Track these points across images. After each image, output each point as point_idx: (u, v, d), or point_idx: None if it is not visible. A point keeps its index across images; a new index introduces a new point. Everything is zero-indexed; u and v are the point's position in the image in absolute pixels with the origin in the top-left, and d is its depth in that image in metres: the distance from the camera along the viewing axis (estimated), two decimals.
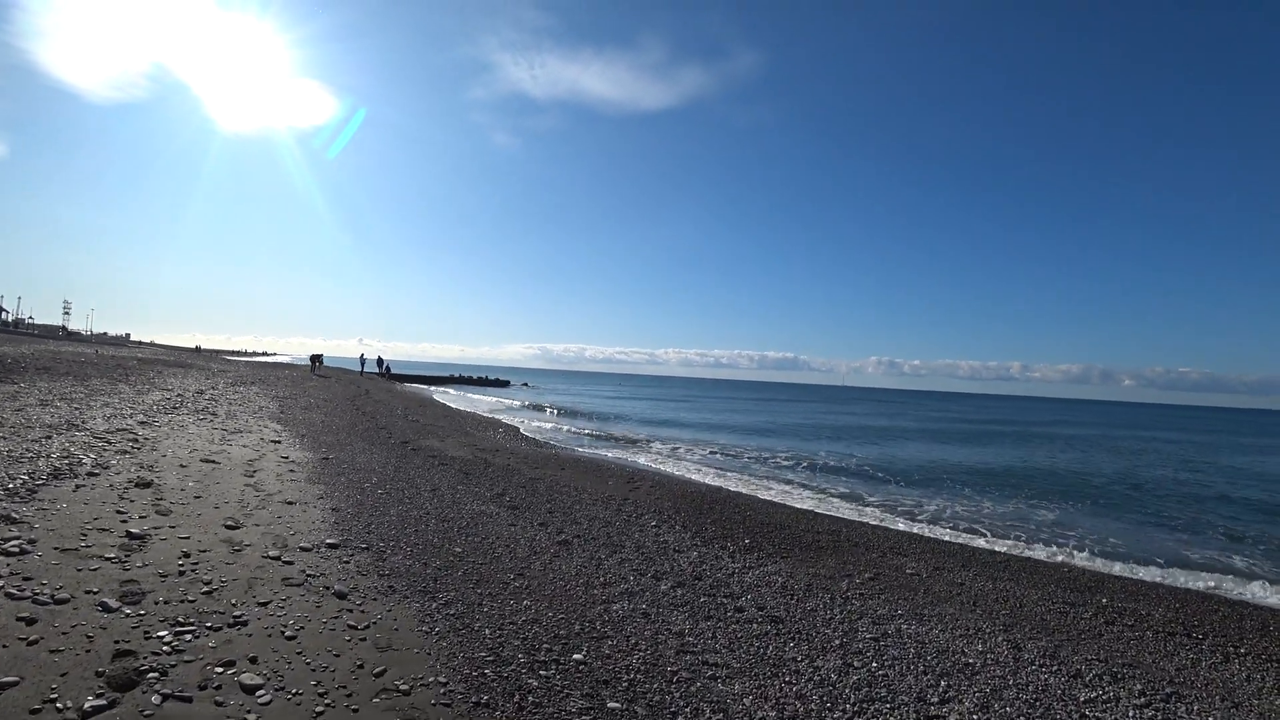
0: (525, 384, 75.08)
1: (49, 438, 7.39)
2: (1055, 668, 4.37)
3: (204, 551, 4.63)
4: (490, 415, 25.05)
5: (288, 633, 3.55)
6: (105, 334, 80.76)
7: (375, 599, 4.24)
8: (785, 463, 16.74)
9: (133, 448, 7.74)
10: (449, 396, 37.91)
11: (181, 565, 4.29)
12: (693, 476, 13.26)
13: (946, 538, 9.35)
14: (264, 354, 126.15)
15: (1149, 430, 50.86)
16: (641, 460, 15.47)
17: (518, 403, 36.15)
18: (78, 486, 5.70)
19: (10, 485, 5.34)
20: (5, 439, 7.00)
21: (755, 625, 4.61)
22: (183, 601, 3.74)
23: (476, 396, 40.95)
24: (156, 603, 3.67)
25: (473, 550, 5.69)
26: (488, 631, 3.95)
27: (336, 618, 3.85)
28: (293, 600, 4.01)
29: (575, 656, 3.74)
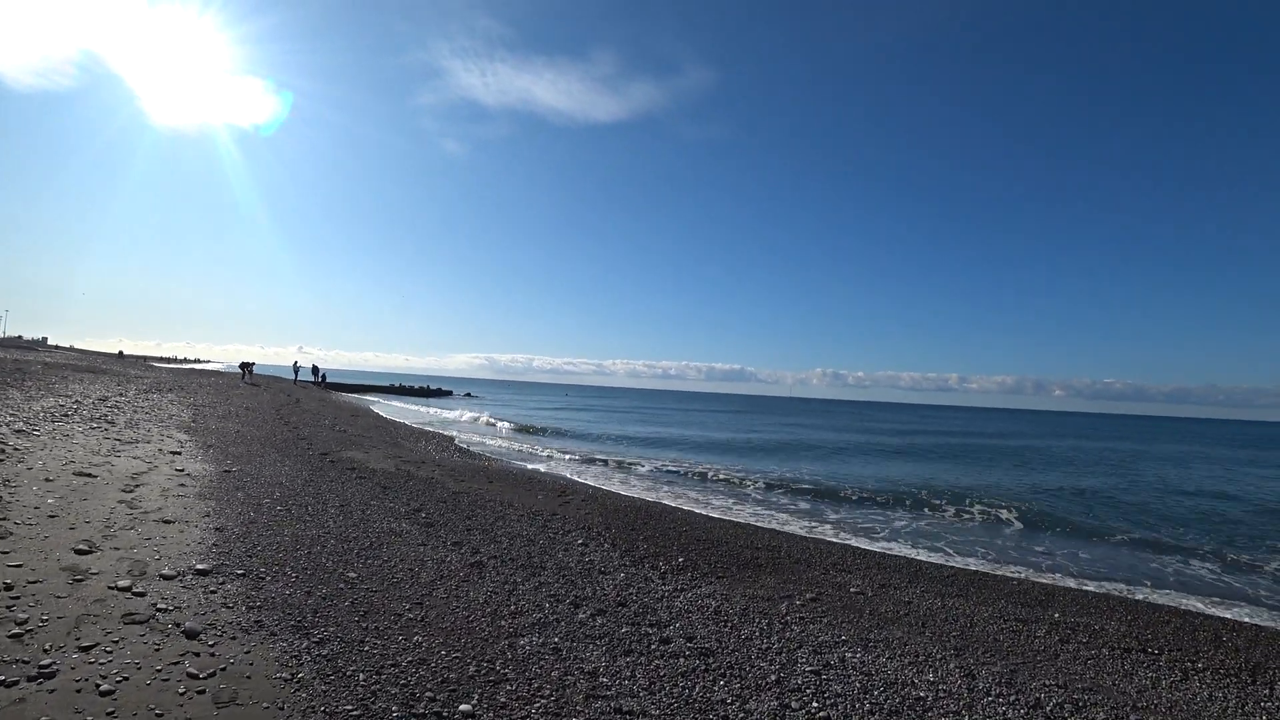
0: (468, 394, 73.21)
1: None
2: (1013, 697, 4.16)
3: (34, 582, 4.04)
4: (424, 426, 24.28)
5: (104, 686, 3.04)
6: (19, 337, 75.83)
7: (234, 638, 3.74)
8: (728, 476, 16.59)
9: (0, 458, 6.96)
10: (386, 407, 36.89)
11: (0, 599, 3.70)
12: (629, 491, 12.92)
13: (893, 551, 9.22)
14: (195, 361, 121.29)
15: (1080, 439, 53.04)
16: (576, 473, 15.06)
17: (455, 414, 35.40)
18: None
19: None
20: None
21: (682, 660, 4.27)
22: None
23: (414, 407, 40.08)
24: None
25: (369, 576, 5.20)
26: (362, 676, 3.50)
27: (175, 664, 3.35)
28: (127, 642, 3.48)
29: (462, 708, 3.32)
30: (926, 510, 13.32)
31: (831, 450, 28.79)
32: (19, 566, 4.25)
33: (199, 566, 4.78)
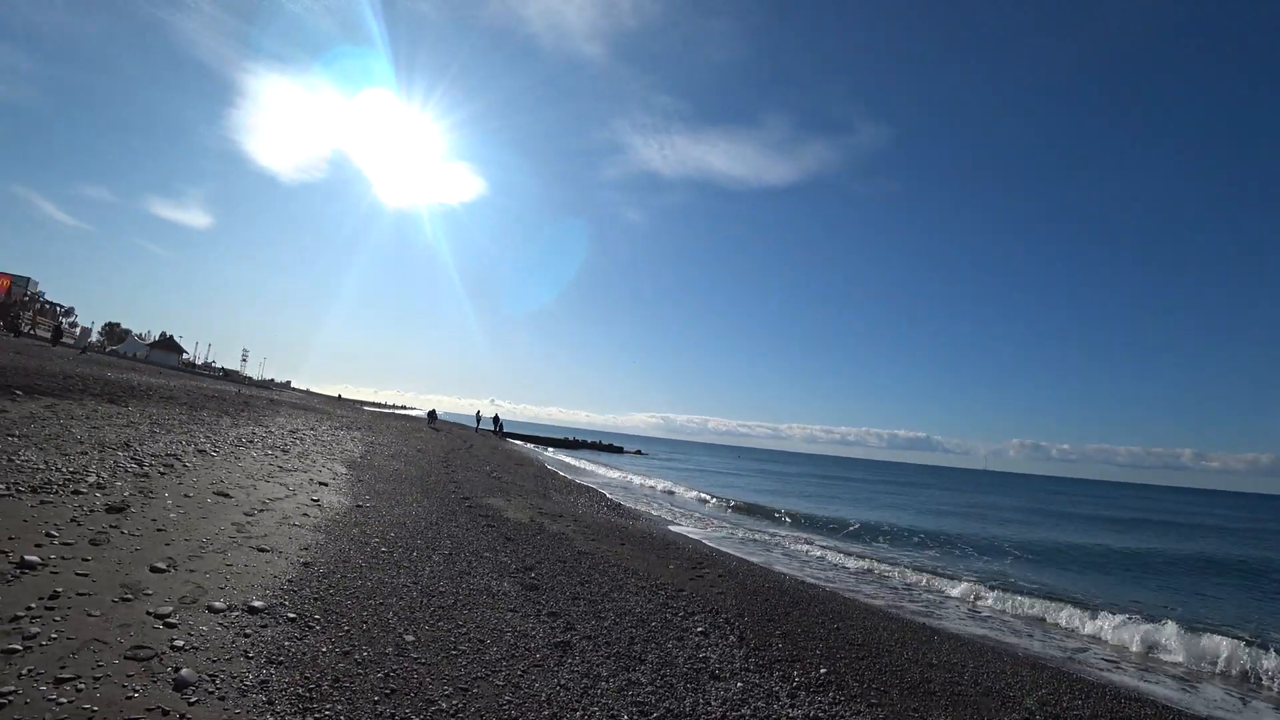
0: (639, 451, 77.18)
1: (84, 453, 7.66)
2: None
3: (82, 594, 3.96)
4: (582, 480, 24.44)
5: None
6: (272, 380, 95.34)
7: (222, 698, 3.21)
8: (903, 558, 13.60)
9: (163, 472, 7.79)
10: (554, 458, 38.84)
11: (32, 608, 3.61)
12: (779, 568, 11.05)
13: (1137, 684, 6.29)
14: (402, 407, 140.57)
15: None
16: (723, 541, 13.44)
17: (618, 470, 35.90)
18: (43, 501, 5.50)
19: None
20: (39, 447, 7.31)
21: None
22: None
23: (583, 461, 41.99)
24: None
25: (429, 642, 4.51)
26: None
27: None
28: (107, 681, 3.11)
29: None
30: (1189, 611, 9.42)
31: (1039, 528, 23.14)
32: (84, 576, 4.26)
33: (254, 603, 4.49)
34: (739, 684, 4.72)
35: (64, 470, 6.68)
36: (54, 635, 3.43)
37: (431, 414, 45.48)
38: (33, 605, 3.70)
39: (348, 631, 4.42)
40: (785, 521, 20.73)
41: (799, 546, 14.76)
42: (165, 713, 3.00)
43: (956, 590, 11.41)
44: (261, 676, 3.52)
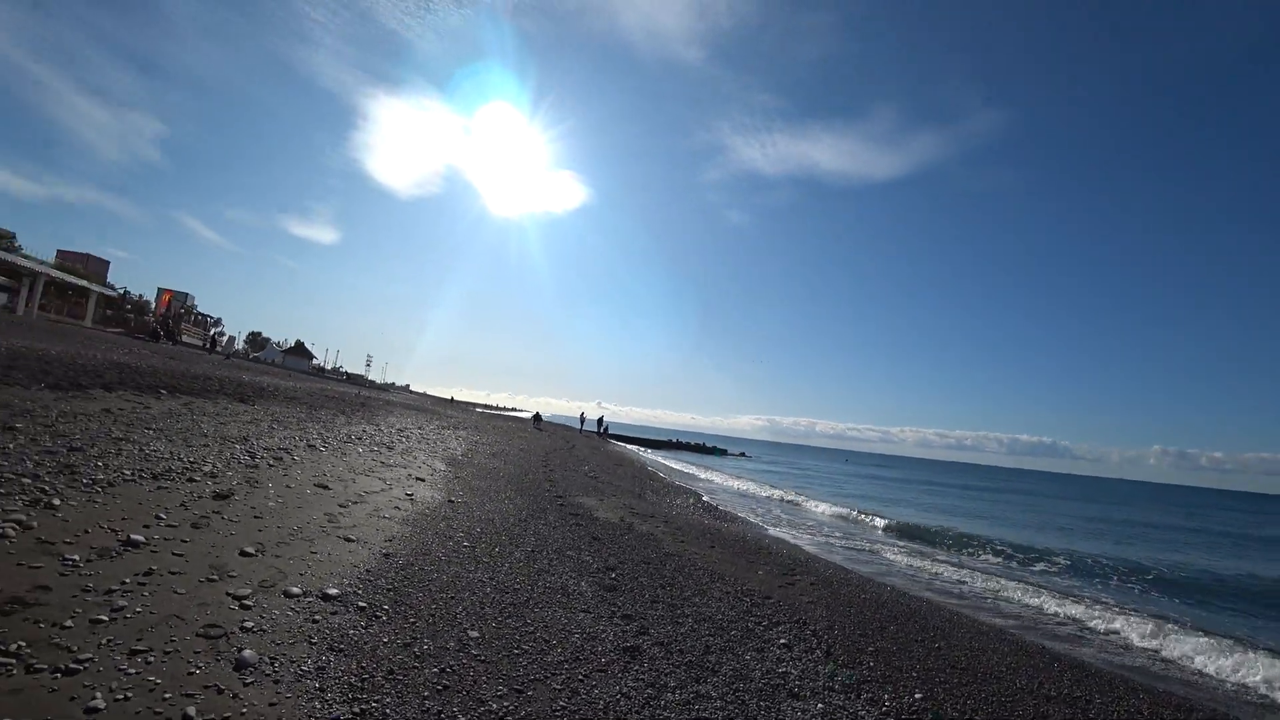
0: (742, 454, 77.05)
1: (206, 445, 8.44)
2: None
3: (174, 573, 4.26)
4: (680, 482, 24.19)
5: (96, 702, 2.73)
6: (392, 383, 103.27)
7: (278, 681, 3.31)
8: (1023, 574, 12.00)
9: (272, 464, 8.43)
10: (655, 459, 39.53)
11: (126, 582, 3.90)
12: (879, 579, 10.16)
13: None
14: (512, 409, 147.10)
15: None
16: (820, 546, 12.60)
17: (721, 472, 35.95)
18: (160, 486, 6.06)
19: (80, 472, 5.85)
20: (169, 439, 8.13)
21: None
22: (42, 625, 3.22)
23: (683, 463, 42.51)
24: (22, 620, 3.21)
25: (493, 638, 4.46)
26: None
27: (190, 695, 2.95)
28: (176, 656, 3.28)
29: None
30: None
31: (1191, 553, 19.80)
32: (179, 556, 4.59)
33: (329, 590, 4.65)
34: (819, 705, 4.28)
35: (184, 460, 7.37)
36: (139, 609, 3.68)
37: (536, 416, 48.58)
38: (127, 580, 4.00)
39: (413, 623, 4.46)
40: (891, 529, 19.43)
41: (903, 558, 13.67)
42: (220, 690, 3.10)
43: (1077, 611, 10.06)
44: (320, 663, 3.59)
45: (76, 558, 4.14)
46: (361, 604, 4.59)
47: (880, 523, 20.28)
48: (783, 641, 5.56)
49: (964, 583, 11.73)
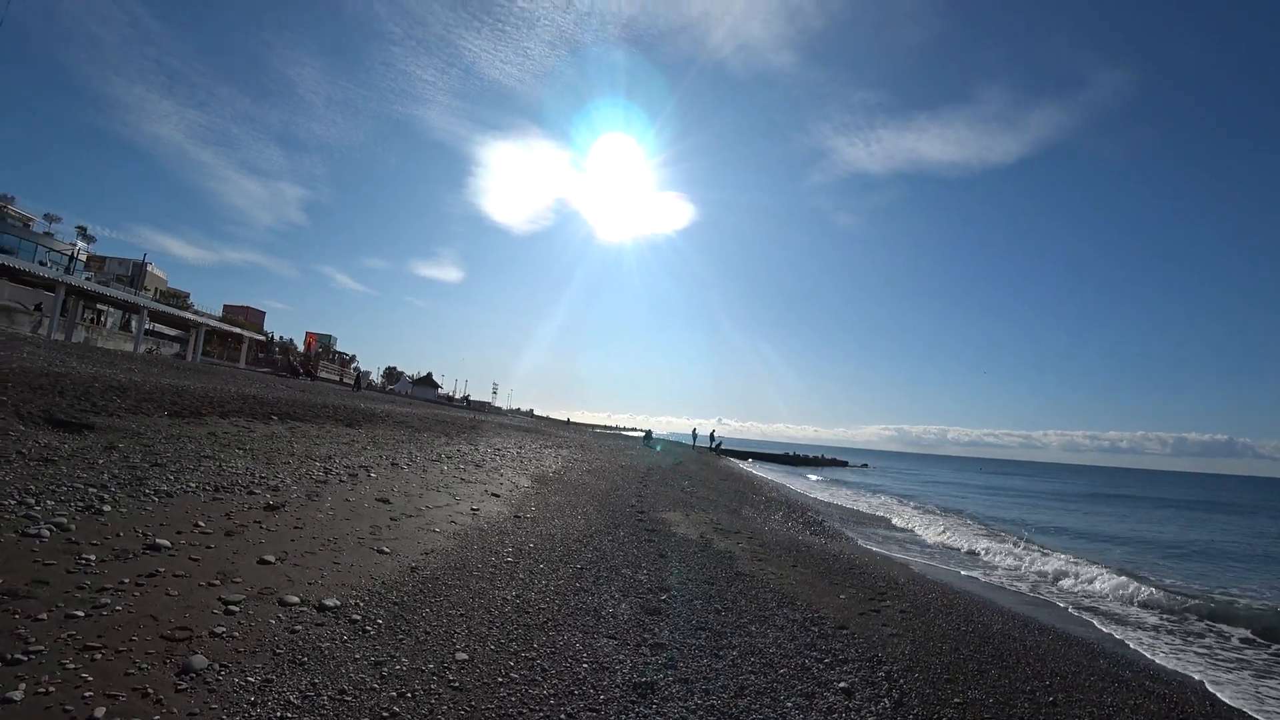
0: (864, 465, 75.88)
1: (286, 463, 9.05)
2: None
3: (178, 576, 4.43)
4: (789, 496, 22.99)
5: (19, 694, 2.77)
6: (517, 408, 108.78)
7: (214, 691, 3.20)
8: (1188, 596, 9.49)
9: (343, 480, 8.87)
10: (766, 475, 38.92)
11: (125, 583, 4.09)
12: (994, 604, 8.59)
13: None
14: (630, 429, 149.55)
15: None
16: (931, 565, 10.96)
17: (837, 485, 34.63)
18: (215, 498, 6.48)
19: (147, 483, 6.36)
20: (253, 458, 8.80)
21: None
22: (18, 616, 3.38)
23: (797, 477, 42.52)
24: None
25: (480, 664, 4.22)
26: None
27: (113, 697, 2.92)
28: (123, 657, 3.29)
29: None
30: None
31: None
32: (195, 561, 4.78)
33: (328, 601, 4.64)
34: None
35: (255, 475, 7.90)
36: (119, 608, 3.82)
37: (647, 434, 51.08)
38: (126, 581, 4.19)
39: (400, 640, 4.30)
40: (1024, 543, 16.99)
41: (1024, 585, 11.71)
42: (145, 694, 3.08)
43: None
44: (270, 676, 3.49)
45: (92, 558, 4.42)
46: (355, 617, 4.51)
47: (1017, 536, 17.89)
48: (842, 685, 4.78)
49: (1095, 608, 9.80)
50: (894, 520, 21.14)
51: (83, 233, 36.90)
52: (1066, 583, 12.27)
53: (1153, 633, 9.20)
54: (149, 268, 49.61)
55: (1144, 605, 10.78)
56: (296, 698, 3.34)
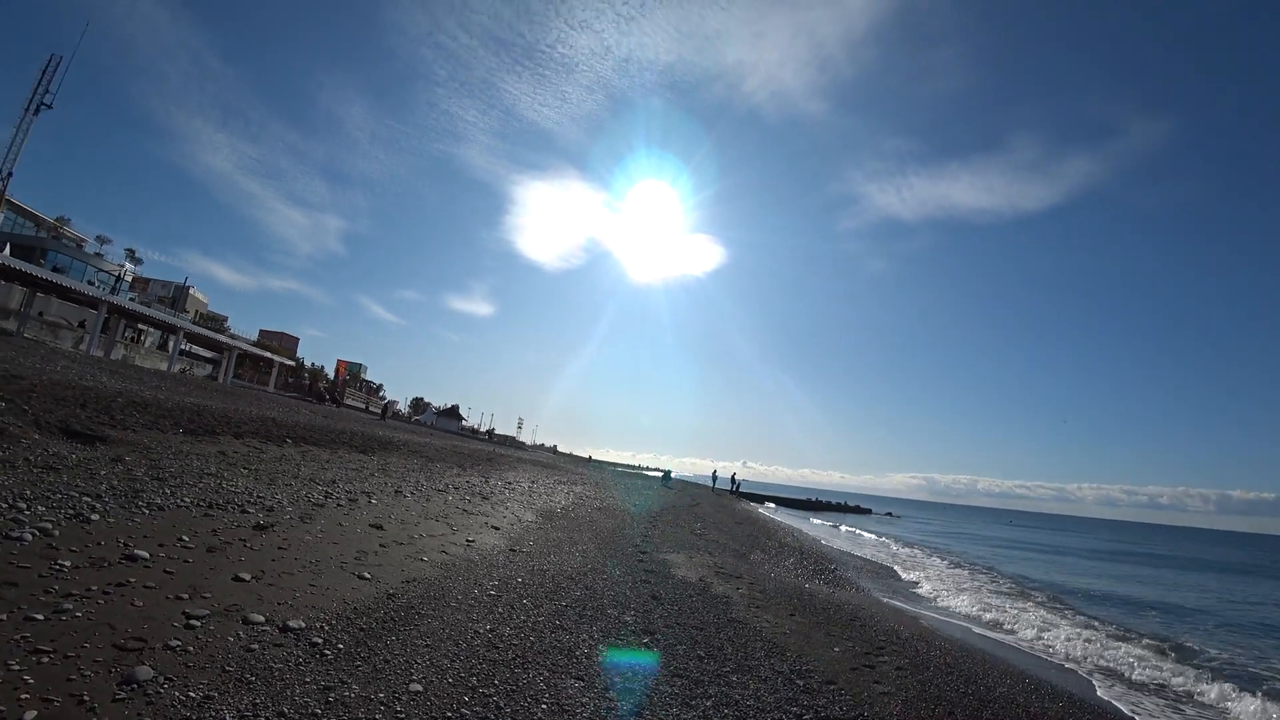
0: (889, 514, 74.32)
1: (289, 484, 9.18)
2: None
3: (148, 588, 4.47)
4: (801, 542, 22.32)
5: None
6: (541, 444, 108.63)
7: (152, 703, 3.22)
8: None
9: (341, 505, 8.94)
10: (787, 519, 38.84)
11: (92, 590, 4.14)
12: (1005, 656, 8.02)
13: None
14: (653, 469, 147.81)
15: None
16: (943, 624, 10.37)
17: (858, 532, 34.20)
18: (207, 514, 6.58)
19: (142, 496, 6.48)
20: (256, 478, 8.94)
21: None
22: None
23: (816, 523, 41.97)
24: None
25: (433, 697, 4.18)
26: None
27: (49, 702, 2.94)
28: (69, 663, 3.32)
29: None
30: None
31: None
32: (169, 575, 4.84)
33: (293, 623, 4.64)
34: None
35: (252, 495, 8.01)
36: (79, 614, 3.87)
37: (666, 474, 50.58)
38: (94, 588, 4.26)
39: (357, 667, 4.26)
40: (1050, 603, 16.20)
41: (1039, 647, 11.05)
42: (81, 701, 3.09)
43: None
44: (211, 693, 3.47)
45: (68, 564, 4.50)
46: (317, 640, 4.48)
47: (1043, 594, 17.04)
48: None
49: (1118, 672, 9.18)
50: (912, 572, 20.42)
51: (131, 255, 38.87)
52: (1091, 647, 11.61)
53: (1173, 702, 8.63)
54: (191, 291, 51.69)
55: (1168, 673, 10.12)
56: (233, 716, 3.31)
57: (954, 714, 5.77)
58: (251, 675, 3.77)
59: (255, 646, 4.13)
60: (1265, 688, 10.04)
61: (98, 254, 35.38)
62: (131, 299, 33.10)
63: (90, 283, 31.16)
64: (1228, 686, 9.67)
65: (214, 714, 3.30)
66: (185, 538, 5.80)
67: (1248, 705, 8.98)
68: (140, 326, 36.30)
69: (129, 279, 37.26)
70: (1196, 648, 13.09)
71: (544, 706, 4.32)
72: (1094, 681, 9.37)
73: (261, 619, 4.56)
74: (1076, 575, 27.29)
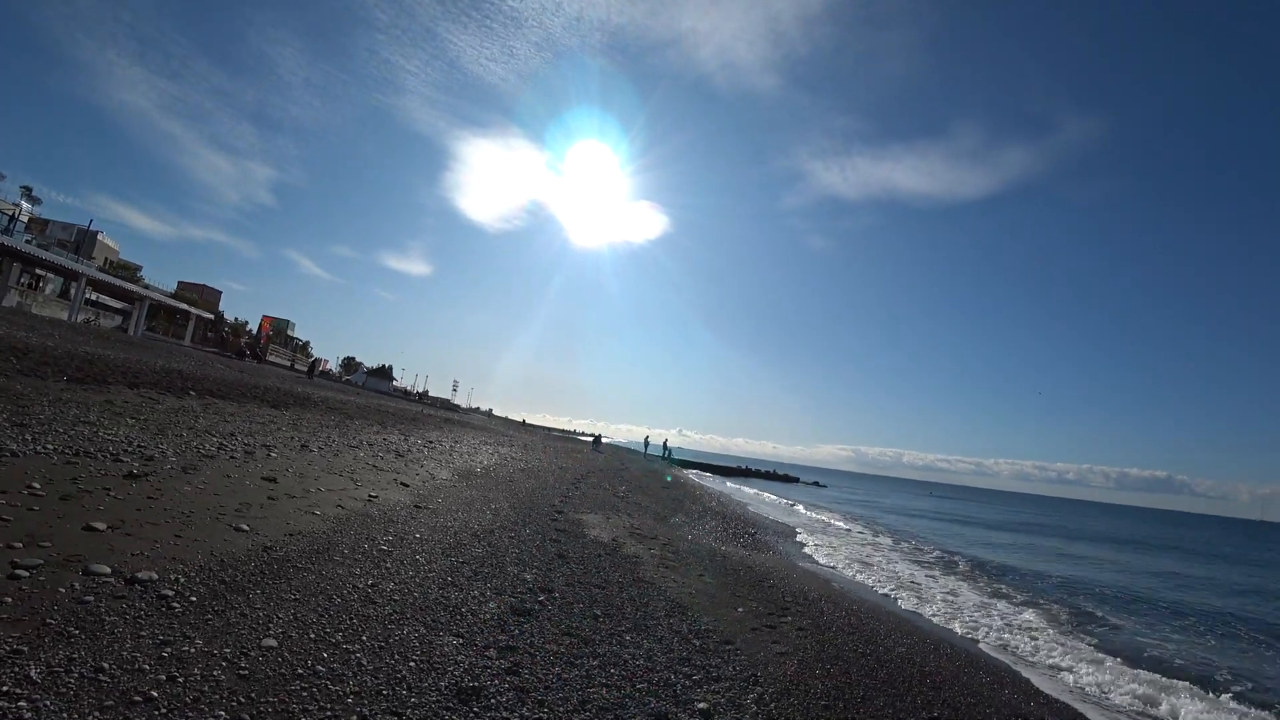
0: (815, 483, 76.66)
1: (179, 436, 8.63)
2: None
3: None
4: (726, 507, 22.91)
5: None
6: (476, 407, 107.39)
7: None
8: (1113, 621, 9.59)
9: (234, 458, 8.46)
10: (716, 485, 40.78)
11: None
12: (909, 619, 8.45)
13: None
14: (586, 434, 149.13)
15: None
16: (849, 587, 10.86)
17: (785, 499, 37.30)
18: (69, 461, 6.08)
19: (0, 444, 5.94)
20: (142, 429, 8.35)
21: None
22: None
23: (746, 490, 43.71)
24: None
25: (285, 652, 3.93)
26: None
27: None
28: None
29: None
30: None
31: None
32: (6, 521, 4.40)
33: (144, 574, 4.31)
34: None
35: (132, 444, 7.48)
36: None
37: (597, 438, 52.68)
38: None
39: (207, 621, 3.98)
40: (954, 566, 17.21)
41: (954, 596, 11.69)
42: None
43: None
44: (21, 647, 3.16)
45: None
46: (167, 593, 4.17)
47: (947, 557, 17.95)
48: (701, 706, 4.53)
49: (1018, 630, 9.78)
50: (820, 536, 21.13)
51: (27, 193, 35.36)
52: (995, 612, 12.25)
53: (1070, 670, 9.19)
54: (100, 237, 47.90)
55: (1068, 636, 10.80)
56: (39, 673, 3.01)
57: (849, 673, 5.90)
58: (76, 629, 3.46)
59: (90, 599, 3.80)
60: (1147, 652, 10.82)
61: None
62: (28, 242, 30.36)
63: None
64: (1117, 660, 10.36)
65: (18, 669, 2.99)
66: (36, 485, 5.33)
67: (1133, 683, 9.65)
68: (39, 272, 33.47)
69: (25, 220, 34.06)
70: (1100, 615, 14.01)
71: (411, 664, 4.15)
72: (986, 641, 9.88)
73: (107, 570, 4.21)
74: (990, 547, 28.84)
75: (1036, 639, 10.40)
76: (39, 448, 6.34)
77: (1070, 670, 8.84)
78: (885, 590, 12.70)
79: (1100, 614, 14.02)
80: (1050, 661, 9.16)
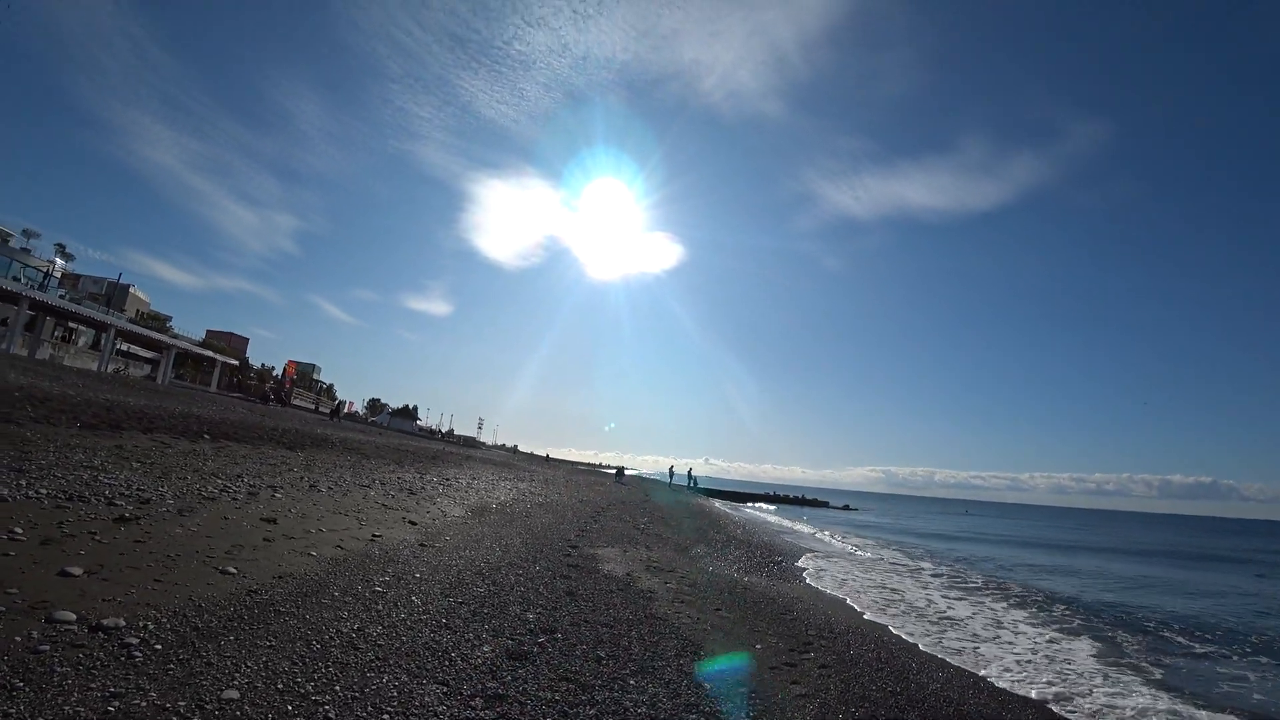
0: (846, 506, 75.65)
1: (182, 479, 8.52)
2: None
3: None
4: (753, 536, 22.11)
5: None
6: (502, 444, 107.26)
7: None
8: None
9: (235, 500, 8.31)
10: (743, 513, 40.16)
11: None
12: (937, 659, 7.79)
13: None
14: (610, 467, 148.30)
15: None
16: (882, 610, 10.16)
17: (815, 525, 36.12)
18: (59, 505, 5.94)
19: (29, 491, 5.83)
20: (145, 473, 8.26)
21: None
22: None
23: (775, 517, 42.82)
24: None
25: (251, 705, 3.64)
26: None
27: None
28: None
29: None
30: None
31: None
32: None
33: (109, 621, 4.08)
34: None
35: (131, 487, 7.36)
36: None
37: (619, 470, 51.93)
38: None
39: (167, 670, 3.72)
40: (997, 592, 16.29)
41: (997, 626, 10.90)
42: None
43: None
44: None
45: None
46: (131, 640, 3.93)
47: (993, 584, 17.01)
48: None
49: (1070, 664, 9.02)
50: (857, 560, 20.31)
51: (61, 250, 36.74)
52: (1040, 641, 11.48)
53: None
54: (131, 290, 49.47)
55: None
56: None
57: (875, 716, 5.43)
58: (21, 680, 3.23)
59: (45, 648, 3.57)
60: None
61: (24, 249, 33.40)
62: (61, 296, 31.35)
63: (15, 279, 29.37)
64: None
65: None
66: (19, 530, 5.18)
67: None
68: (72, 325, 34.50)
69: (58, 275, 35.28)
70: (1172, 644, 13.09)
71: (386, 716, 3.84)
72: (1027, 675, 9.20)
73: (72, 617, 3.99)
74: (1034, 569, 27.56)
75: (1087, 675, 9.66)
76: (31, 492, 6.23)
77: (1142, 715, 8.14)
78: (916, 621, 12.02)
79: (1172, 644, 13.11)
80: (1102, 701, 8.46)
